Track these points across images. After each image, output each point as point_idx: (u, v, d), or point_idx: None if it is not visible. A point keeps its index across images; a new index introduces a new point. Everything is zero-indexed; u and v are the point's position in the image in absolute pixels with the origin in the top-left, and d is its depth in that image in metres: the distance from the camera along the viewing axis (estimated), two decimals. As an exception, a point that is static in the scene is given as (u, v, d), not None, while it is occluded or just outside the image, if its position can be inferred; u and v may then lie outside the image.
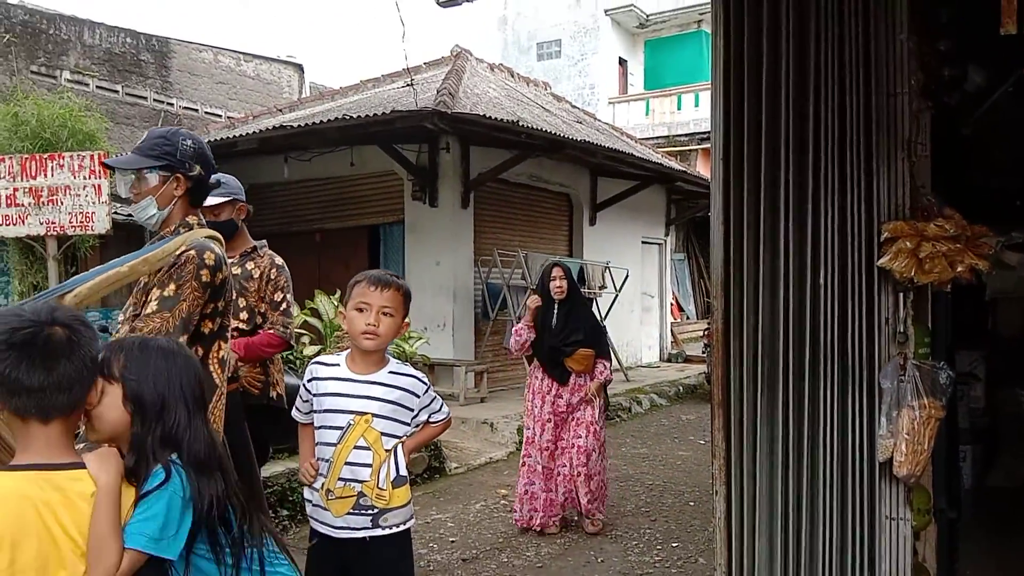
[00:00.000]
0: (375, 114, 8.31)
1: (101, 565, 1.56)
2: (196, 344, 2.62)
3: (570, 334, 5.20)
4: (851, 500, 2.79)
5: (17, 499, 1.49)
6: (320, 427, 2.64)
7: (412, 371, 2.74)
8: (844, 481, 2.81)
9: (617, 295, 11.78)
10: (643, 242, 14.67)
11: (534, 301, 5.34)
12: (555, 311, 5.27)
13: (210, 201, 3.78)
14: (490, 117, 8.41)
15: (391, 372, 2.66)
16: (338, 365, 2.68)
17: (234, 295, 3.58)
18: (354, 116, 8.57)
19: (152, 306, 2.53)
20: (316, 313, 7.24)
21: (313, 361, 2.79)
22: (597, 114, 17.61)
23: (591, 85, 22.13)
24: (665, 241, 15.72)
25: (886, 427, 2.69)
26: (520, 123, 8.62)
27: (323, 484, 2.59)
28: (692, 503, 6.00)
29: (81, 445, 2.57)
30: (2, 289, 8.47)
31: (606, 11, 22.04)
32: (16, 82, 11.75)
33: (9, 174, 5.95)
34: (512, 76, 14.20)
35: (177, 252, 2.61)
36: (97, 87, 14.31)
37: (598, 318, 5.62)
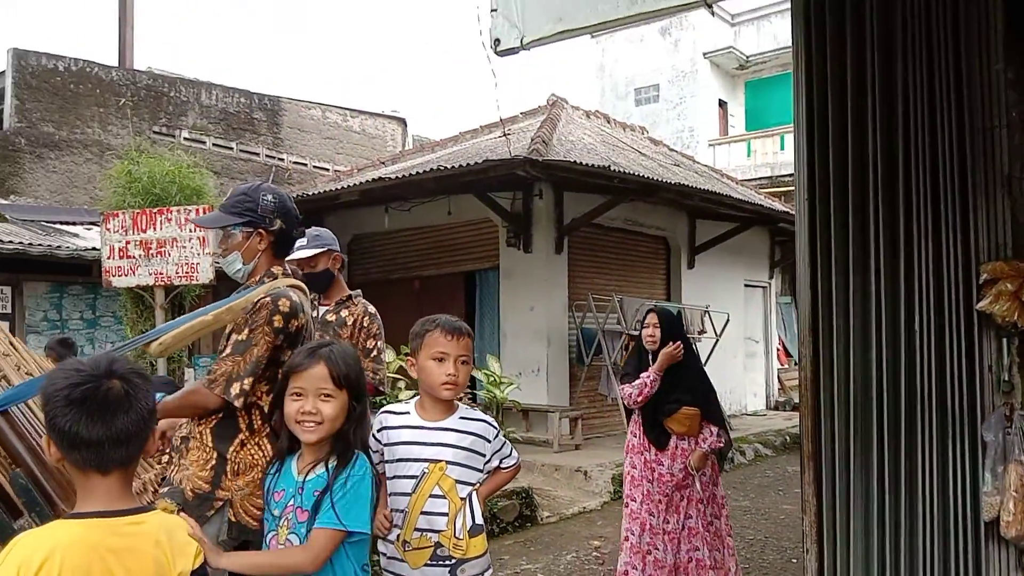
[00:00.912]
0: (468, 164, 8.47)
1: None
2: (270, 386, 2.68)
3: (671, 390, 4.45)
4: (954, 563, 2.58)
5: (83, 547, 1.52)
6: (393, 477, 2.61)
7: (483, 416, 2.72)
8: (946, 542, 2.60)
9: (717, 340, 11.49)
10: (746, 285, 14.30)
11: (671, 351, 4.43)
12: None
13: (307, 253, 3.92)
14: (581, 163, 8.44)
15: (462, 418, 2.64)
16: (408, 413, 2.65)
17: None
18: (449, 167, 8.76)
19: (227, 350, 2.61)
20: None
21: (382, 411, 2.77)
22: (697, 156, 17.45)
23: (690, 128, 21.98)
24: (770, 284, 15.28)
25: (991, 483, 2.49)
26: (611, 168, 8.60)
27: (399, 535, 2.55)
28: (795, 560, 5.70)
29: (165, 489, 2.67)
30: (120, 336, 9.00)
31: (704, 54, 21.94)
32: (139, 142, 12.60)
33: (122, 228, 6.36)
34: (608, 122, 14.25)
35: (257, 300, 2.69)
36: (213, 145, 15.17)
37: (707, 374, 4.76)
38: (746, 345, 14.25)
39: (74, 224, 12.04)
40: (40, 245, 10.44)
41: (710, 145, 21.31)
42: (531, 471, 8.06)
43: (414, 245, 11.04)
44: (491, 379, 7.08)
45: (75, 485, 1.63)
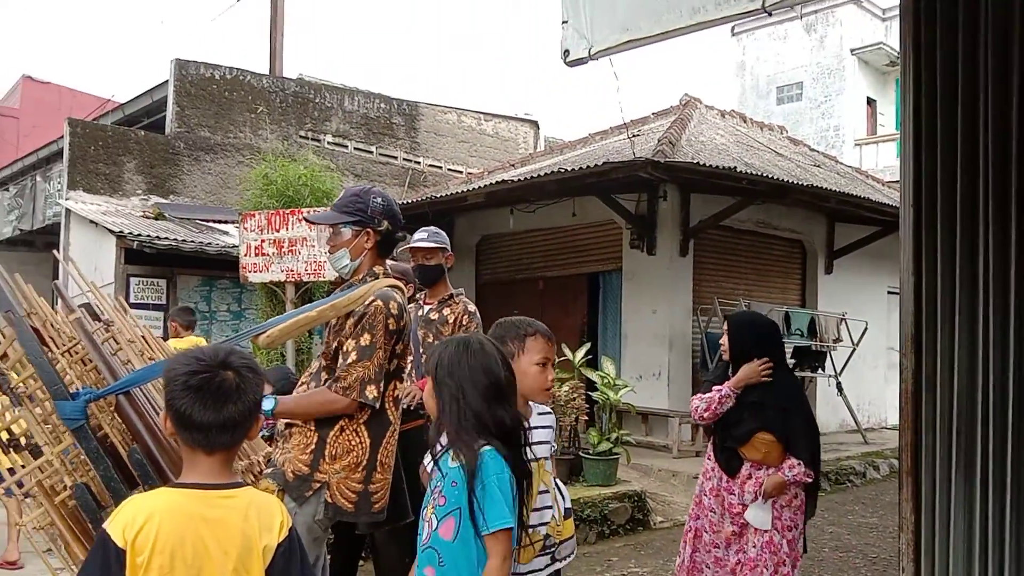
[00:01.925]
0: (590, 166, 8.50)
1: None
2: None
3: (749, 411, 3.73)
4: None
5: (180, 514, 1.69)
6: None
7: (546, 407, 2.78)
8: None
9: (855, 349, 10.99)
10: (890, 292, 13.54)
11: (754, 367, 3.75)
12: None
13: (427, 244, 4.10)
14: (705, 164, 8.29)
15: (540, 414, 2.71)
16: None
17: (418, 338, 3.83)
18: (570, 169, 8.82)
19: (352, 356, 2.77)
20: (528, 358, 7.46)
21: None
22: (841, 157, 16.73)
23: (835, 127, 21.07)
24: (915, 292, 14.41)
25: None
26: (738, 169, 8.40)
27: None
28: (919, 583, 5.40)
29: (268, 470, 2.87)
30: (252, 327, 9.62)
31: (852, 51, 20.97)
32: (285, 146, 13.37)
33: (258, 227, 6.83)
34: (744, 121, 13.90)
35: (363, 300, 2.84)
36: (355, 149, 15.88)
37: (804, 398, 4.00)
38: (888, 355, 13.51)
39: (224, 223, 12.94)
40: (192, 242, 11.29)
41: (856, 145, 20.37)
42: (647, 475, 8.00)
43: (538, 246, 11.17)
44: (605, 381, 7.08)
45: (183, 457, 1.80)
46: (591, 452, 6.82)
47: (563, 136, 18.51)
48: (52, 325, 2.34)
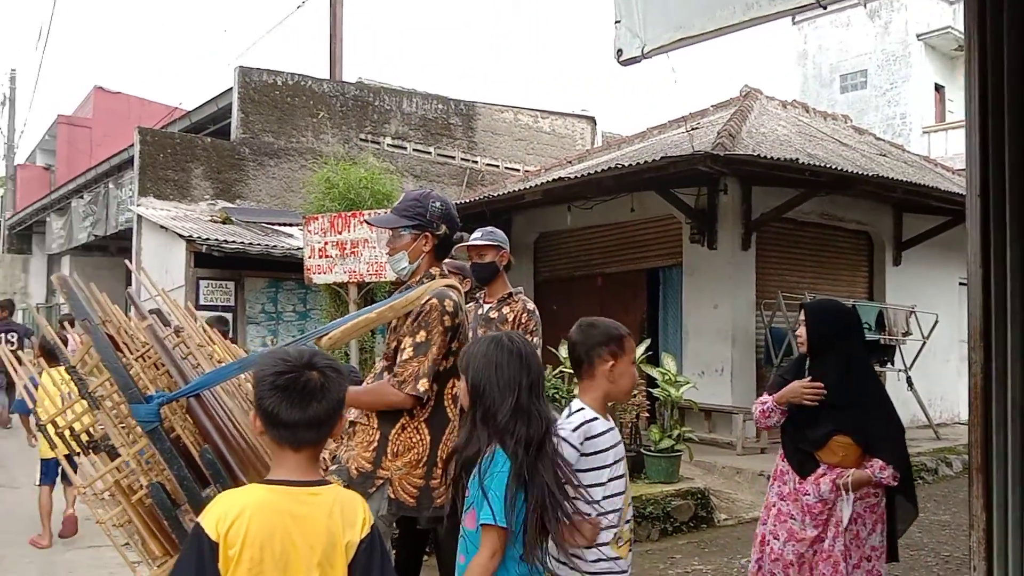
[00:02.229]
0: (648, 161, 8.44)
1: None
2: (432, 381, 2.90)
3: (820, 411, 3.45)
4: None
5: (269, 509, 1.77)
6: (609, 480, 2.57)
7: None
8: None
9: (925, 342, 10.68)
10: (961, 284, 13.12)
11: (802, 389, 3.46)
12: (807, 372, 3.59)
13: (480, 241, 4.15)
14: (766, 156, 8.16)
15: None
16: (599, 418, 2.61)
17: (477, 335, 3.87)
18: (627, 164, 8.77)
19: (408, 352, 2.86)
20: (587, 355, 7.45)
21: (584, 420, 2.58)
22: (908, 145, 16.28)
23: (901, 115, 20.49)
24: (990, 282, 13.93)
25: None
26: (799, 160, 8.24)
27: (615, 535, 2.57)
28: (995, 583, 5.24)
29: (333, 467, 2.95)
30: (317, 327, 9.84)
31: (918, 36, 20.37)
32: (346, 149, 13.60)
33: (321, 230, 6.98)
34: (807, 111, 13.62)
35: (420, 300, 2.91)
36: (413, 150, 16.06)
37: (885, 394, 3.70)
38: (960, 349, 13.09)
39: (289, 225, 13.23)
40: (259, 244, 11.58)
41: (924, 132, 19.78)
42: (711, 472, 7.92)
43: (597, 242, 11.14)
44: (666, 377, 7.03)
45: (271, 455, 1.90)
46: (653, 449, 6.78)
47: (621, 131, 18.42)
48: (126, 331, 2.44)
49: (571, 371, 6.99)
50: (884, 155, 12.37)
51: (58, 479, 5.75)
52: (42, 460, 5.78)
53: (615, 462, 2.59)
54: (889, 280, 11.49)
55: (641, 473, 6.82)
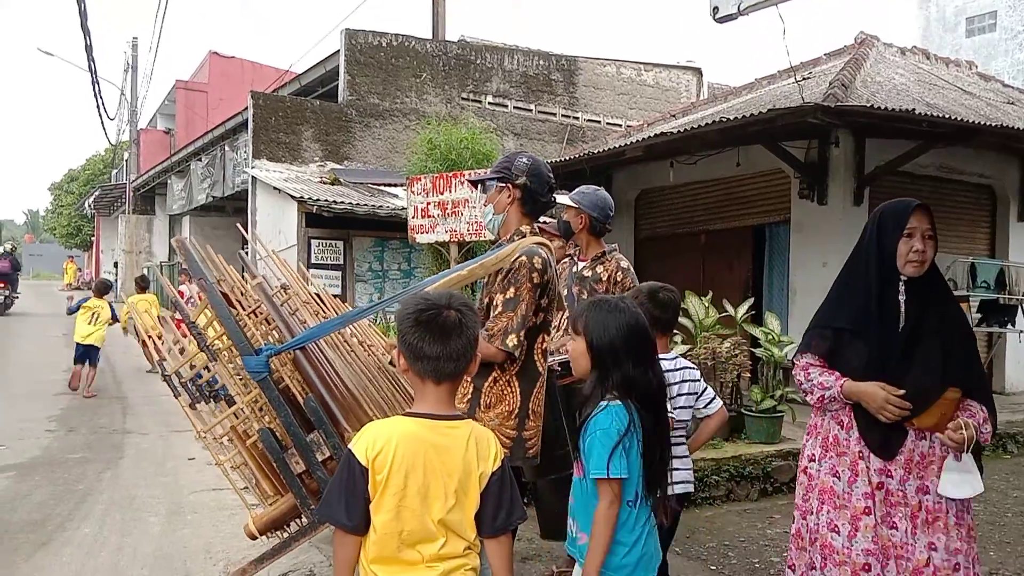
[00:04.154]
0: (754, 114, 8.17)
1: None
2: (523, 336, 2.97)
3: (918, 359, 2.64)
4: None
5: (413, 439, 1.92)
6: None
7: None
8: None
9: (1051, 303, 10.05)
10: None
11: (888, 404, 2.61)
12: (901, 310, 2.71)
13: (560, 198, 4.18)
14: (881, 107, 7.77)
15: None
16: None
17: (572, 293, 3.92)
18: (732, 118, 8.52)
19: (498, 308, 2.95)
20: (686, 313, 7.37)
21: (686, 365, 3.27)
22: (1042, 91, 15.11)
23: (1035, 58, 19.04)
24: None
25: None
26: (916, 111, 7.82)
27: None
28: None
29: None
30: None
31: (1058, -31, 18.79)
32: (448, 109, 13.74)
33: (424, 191, 7.13)
34: (927, 58, 12.85)
35: (510, 258, 2.98)
36: (514, 108, 16.06)
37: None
38: (1093, 310, 12.26)
39: (393, 185, 13.52)
40: (365, 205, 11.90)
41: (1061, 76, 18.34)
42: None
43: (700, 199, 10.91)
44: (769, 337, 6.88)
45: (413, 390, 2.05)
46: (754, 409, 6.69)
47: (728, 83, 17.86)
48: (239, 289, 2.60)
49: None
50: (1012, 103, 11.57)
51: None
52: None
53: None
54: (1013, 236, 10.82)
55: (741, 433, 6.75)
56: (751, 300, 7.51)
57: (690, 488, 3.33)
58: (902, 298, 2.69)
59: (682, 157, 10.27)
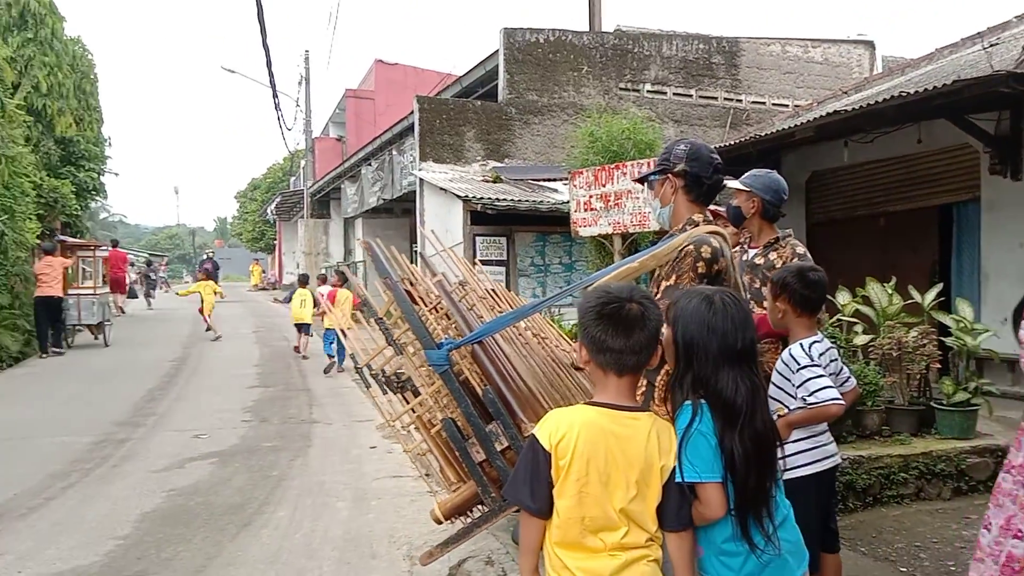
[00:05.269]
0: (936, 86, 7.61)
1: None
2: None
3: None
4: None
5: (595, 427, 1.95)
6: None
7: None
8: None
9: None
10: None
11: None
12: None
13: (729, 183, 4.05)
14: (1087, 70, 7.03)
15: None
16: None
17: (743, 283, 3.82)
18: (913, 91, 7.97)
19: (658, 295, 2.91)
20: (868, 301, 6.98)
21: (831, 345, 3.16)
22: None
23: None
24: None
25: None
26: None
27: None
28: None
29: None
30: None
31: None
32: (606, 100, 13.69)
33: (586, 184, 7.16)
34: None
35: (680, 248, 2.93)
36: (673, 94, 15.78)
37: None
38: None
39: (553, 180, 13.65)
40: (527, 201, 12.10)
41: None
42: (1014, 429, 7.14)
43: (878, 179, 10.29)
44: (961, 325, 6.39)
45: (595, 382, 2.06)
46: (945, 403, 6.24)
47: (904, 55, 16.74)
48: (420, 287, 2.73)
49: (850, 319, 6.63)
50: None
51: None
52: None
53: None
54: None
55: (931, 428, 6.32)
56: (939, 286, 7.01)
57: (835, 462, 3.15)
58: None
59: (857, 136, 9.73)
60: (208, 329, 16.37)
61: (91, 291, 15.31)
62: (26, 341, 13.70)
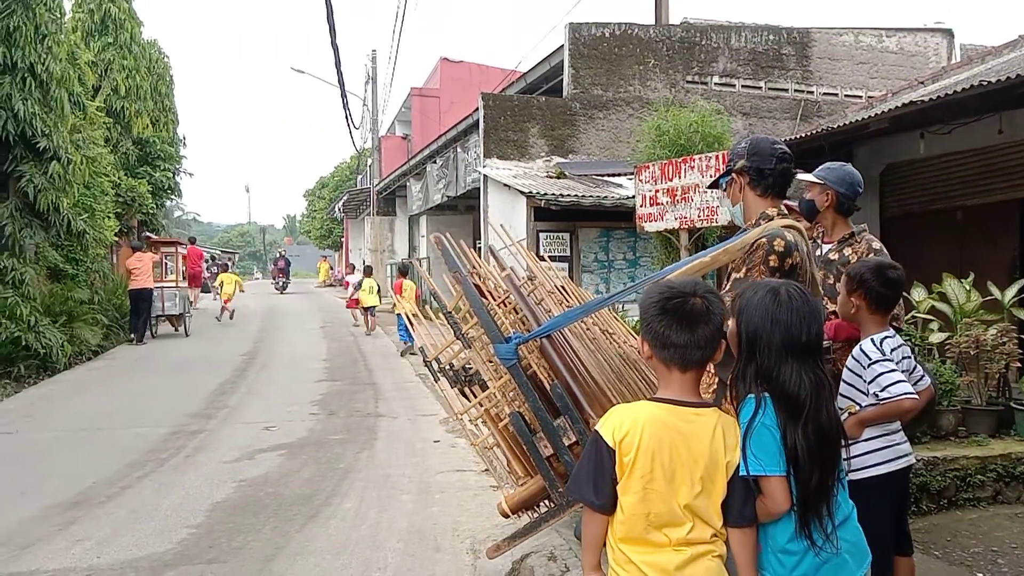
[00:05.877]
0: (1020, 75, 7.31)
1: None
2: None
3: None
4: None
5: (659, 423, 1.95)
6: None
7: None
8: None
9: None
10: None
11: None
12: None
13: (803, 176, 3.96)
14: None
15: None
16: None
17: (817, 278, 3.73)
18: (994, 80, 7.67)
19: (727, 287, 2.88)
20: (944, 298, 6.75)
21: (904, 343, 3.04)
22: None
23: None
24: None
25: None
26: None
27: None
28: None
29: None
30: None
31: None
32: (673, 94, 13.53)
33: (652, 178, 7.09)
34: None
35: (753, 241, 2.88)
36: (742, 87, 15.50)
37: None
38: None
39: (618, 175, 13.55)
40: (590, 196, 12.03)
41: None
42: (1105, 431, 6.82)
43: (956, 171, 9.94)
44: (1045, 324, 6.14)
45: (658, 377, 2.06)
46: (1026, 403, 6.00)
47: (984, 42, 16.13)
48: (489, 281, 2.75)
49: (926, 317, 6.42)
50: None
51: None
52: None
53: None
54: None
55: (1011, 429, 6.09)
56: (1020, 282, 6.74)
57: (909, 462, 3.03)
58: None
59: (934, 127, 9.41)
60: (223, 311, 19.27)
61: (173, 284, 16.51)
62: (105, 335, 14.24)
